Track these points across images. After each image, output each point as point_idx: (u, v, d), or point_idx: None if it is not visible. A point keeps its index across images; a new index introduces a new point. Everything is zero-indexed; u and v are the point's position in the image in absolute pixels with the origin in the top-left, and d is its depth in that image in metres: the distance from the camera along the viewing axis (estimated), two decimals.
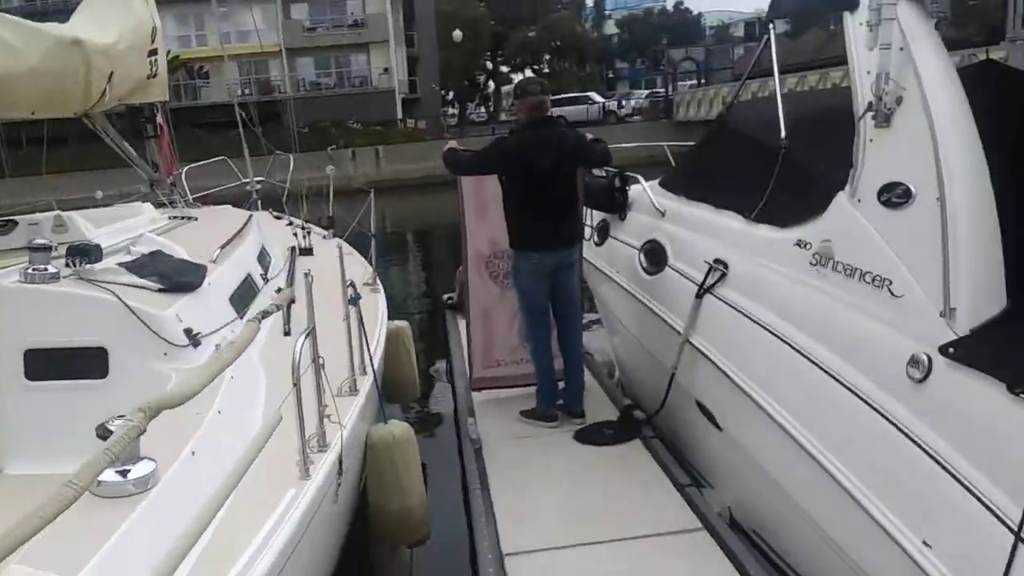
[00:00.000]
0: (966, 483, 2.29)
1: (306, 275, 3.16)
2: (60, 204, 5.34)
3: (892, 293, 2.76)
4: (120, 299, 3.26)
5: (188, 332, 3.39)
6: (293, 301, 3.23)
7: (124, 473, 2.36)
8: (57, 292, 3.28)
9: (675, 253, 4.42)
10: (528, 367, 5.08)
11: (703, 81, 38.91)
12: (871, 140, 3.00)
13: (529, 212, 4.55)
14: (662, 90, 39.84)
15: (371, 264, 5.76)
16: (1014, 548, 2.10)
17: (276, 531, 2.46)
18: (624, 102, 39.22)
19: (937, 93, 2.80)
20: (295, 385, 2.94)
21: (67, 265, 3.44)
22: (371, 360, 3.92)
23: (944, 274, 2.55)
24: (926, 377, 2.50)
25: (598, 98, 38.82)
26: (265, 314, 2.88)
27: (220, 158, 8.76)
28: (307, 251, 6.21)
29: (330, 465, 3.07)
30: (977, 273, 2.52)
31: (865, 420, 2.71)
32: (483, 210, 5.14)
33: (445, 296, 8.01)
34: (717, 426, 3.83)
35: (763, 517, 3.48)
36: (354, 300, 3.81)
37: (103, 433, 2.37)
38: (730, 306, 3.69)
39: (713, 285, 3.86)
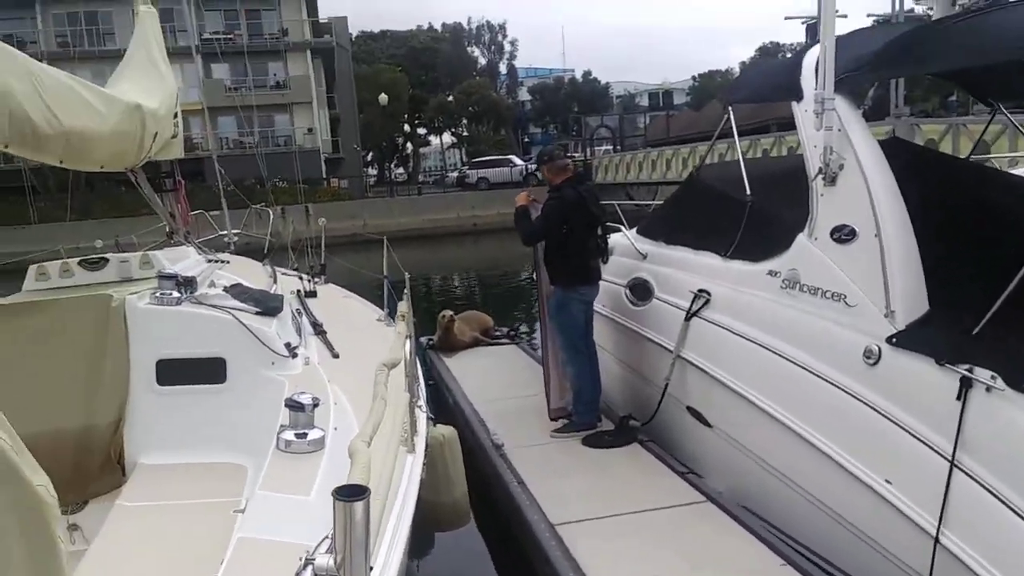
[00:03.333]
0: (911, 431, 3.30)
1: (405, 295, 3.99)
2: (67, 252, 5.94)
3: (847, 304, 3.80)
4: (237, 318, 3.99)
5: (288, 345, 4.14)
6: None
7: (303, 436, 3.11)
8: (185, 312, 3.98)
9: (660, 287, 5.44)
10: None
11: (618, 147, 41.52)
12: (822, 195, 4.08)
13: (584, 254, 5.54)
14: (577, 154, 42.09)
15: (385, 306, 6.51)
16: (950, 472, 3.10)
17: (406, 494, 3.22)
18: None
19: (868, 161, 3.90)
20: (407, 374, 3.74)
21: (179, 292, 4.16)
22: (416, 364, 4.69)
23: (885, 287, 3.60)
24: (878, 361, 3.53)
25: (519, 161, 40.67)
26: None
27: (198, 211, 9.36)
28: (311, 294, 6.95)
29: (423, 444, 3.87)
30: (907, 285, 3.58)
31: (834, 398, 3.71)
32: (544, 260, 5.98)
33: (425, 339, 8.81)
34: (707, 424, 4.79)
35: (753, 494, 4.38)
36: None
37: (292, 404, 3.14)
38: (716, 325, 4.70)
39: (699, 310, 4.87)
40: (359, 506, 1.38)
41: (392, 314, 6.24)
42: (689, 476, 4.74)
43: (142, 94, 5.75)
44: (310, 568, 1.40)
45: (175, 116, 6.64)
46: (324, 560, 1.40)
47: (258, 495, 2.77)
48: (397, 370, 3.54)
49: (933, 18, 4.73)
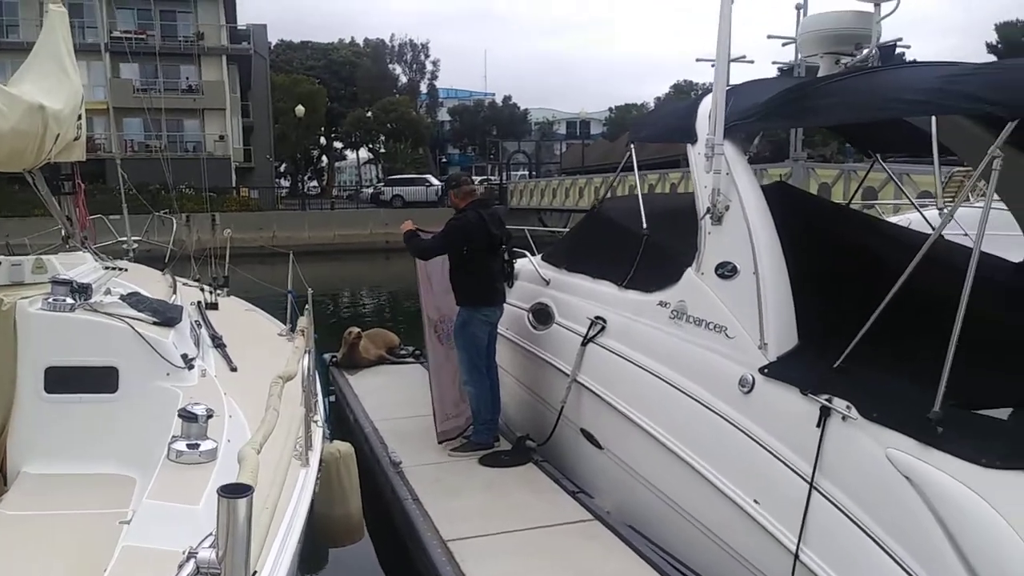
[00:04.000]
0: (778, 455, 3.57)
1: (307, 310, 4.03)
2: None
3: (727, 335, 4.07)
4: (132, 327, 3.96)
5: (184, 357, 4.12)
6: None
7: (195, 446, 3.12)
8: (77, 319, 3.92)
9: (560, 312, 5.67)
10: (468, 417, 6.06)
11: (534, 173, 42.34)
12: (709, 233, 4.35)
13: (485, 274, 5.69)
14: (494, 177, 42.55)
15: (288, 321, 6.48)
16: (809, 494, 3.37)
17: (297, 506, 3.27)
18: None
19: (750, 204, 4.20)
20: (304, 389, 3.78)
21: (72, 299, 4.09)
22: (315, 380, 4.71)
23: (760, 322, 3.88)
24: (751, 390, 3.80)
25: (435, 180, 40.80)
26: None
27: (97, 216, 9.09)
28: (212, 306, 6.86)
29: (317, 458, 3.91)
30: (779, 321, 3.86)
31: (712, 423, 3.97)
32: (428, 283, 6.16)
33: (329, 355, 8.79)
34: (598, 446, 5.00)
35: (636, 513, 4.59)
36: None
37: (185, 415, 3.15)
38: (609, 351, 4.93)
39: (595, 336, 5.11)
40: (242, 503, 1.49)
41: (295, 329, 6.25)
42: (580, 496, 4.94)
43: (46, 94, 5.62)
44: (192, 561, 1.49)
45: (79, 118, 6.51)
46: (207, 554, 1.50)
47: (145, 504, 2.77)
48: (294, 384, 3.59)
49: (818, 75, 5.13)
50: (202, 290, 7.26)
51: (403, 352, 9.31)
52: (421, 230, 5.97)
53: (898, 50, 5.31)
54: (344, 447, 4.61)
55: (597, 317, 5.14)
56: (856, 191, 7.16)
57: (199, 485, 2.90)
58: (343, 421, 7.10)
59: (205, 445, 3.14)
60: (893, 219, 7.68)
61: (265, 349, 5.71)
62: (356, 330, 8.85)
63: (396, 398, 7.31)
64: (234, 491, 1.49)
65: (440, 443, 5.98)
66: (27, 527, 3.23)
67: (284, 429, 2.82)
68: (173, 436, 3.17)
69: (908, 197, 6.82)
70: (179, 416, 3.18)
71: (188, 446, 3.12)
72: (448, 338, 6.12)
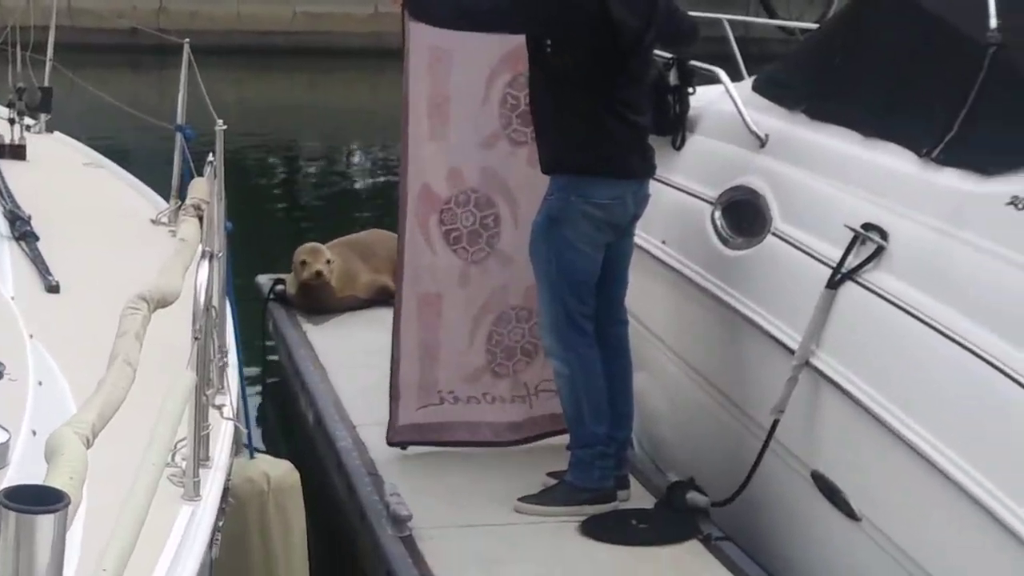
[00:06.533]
0: None
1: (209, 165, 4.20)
2: None
3: None
4: None
5: None
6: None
7: None
8: None
9: (784, 212, 5.69)
10: (497, 412, 6.49)
11: None
12: None
13: (608, 112, 5.74)
14: None
15: (175, 190, 6.70)
16: None
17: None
18: None
19: None
20: (198, 335, 3.94)
21: None
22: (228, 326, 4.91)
23: None
24: None
25: None
26: None
27: None
28: (14, 150, 7.19)
29: (220, 487, 4.12)
30: None
31: None
32: (444, 115, 6.26)
33: (269, 279, 9.17)
34: (851, 514, 5.05)
35: None
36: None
37: None
38: (892, 302, 4.94)
39: (861, 267, 5.11)
40: (46, 524, 1.52)
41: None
42: None
43: None
44: None
45: None
46: None
47: None
48: (178, 326, 3.73)
49: None
50: None
51: None
52: None
53: None
54: (281, 471, 4.85)
55: (866, 226, 5.16)
56: None
57: None
58: (291, 417, 7.35)
59: None
60: None
61: (123, 247, 5.97)
62: (323, 255, 9.20)
63: None
64: (33, 499, 1.52)
65: (391, 444, 6.57)
66: None
67: (150, 414, 2.96)
68: None
69: None
70: None
71: None
72: (468, 240, 6.41)
